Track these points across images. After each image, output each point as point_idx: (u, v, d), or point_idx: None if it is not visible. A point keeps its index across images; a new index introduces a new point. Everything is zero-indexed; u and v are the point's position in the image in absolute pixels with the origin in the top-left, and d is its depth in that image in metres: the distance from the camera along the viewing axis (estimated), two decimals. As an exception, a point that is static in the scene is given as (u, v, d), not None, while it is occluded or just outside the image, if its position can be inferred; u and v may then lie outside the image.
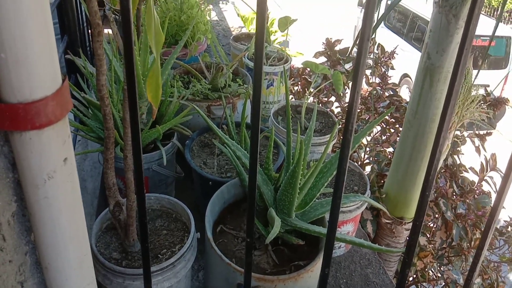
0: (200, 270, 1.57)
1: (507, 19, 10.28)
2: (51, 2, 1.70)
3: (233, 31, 3.96)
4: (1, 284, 0.65)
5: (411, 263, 0.81)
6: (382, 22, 8.08)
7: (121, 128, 1.54)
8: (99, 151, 1.65)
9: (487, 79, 6.96)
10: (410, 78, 7.12)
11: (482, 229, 2.12)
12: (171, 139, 1.69)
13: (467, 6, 1.79)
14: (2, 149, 0.67)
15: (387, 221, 2.14)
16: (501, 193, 0.74)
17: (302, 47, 4.06)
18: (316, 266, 1.18)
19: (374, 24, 1.97)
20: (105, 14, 2.53)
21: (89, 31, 2.88)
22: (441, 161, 2.36)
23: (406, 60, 6.76)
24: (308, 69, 2.85)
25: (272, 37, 3.61)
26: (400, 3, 7.70)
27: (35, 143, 0.65)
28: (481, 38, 6.97)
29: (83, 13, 2.54)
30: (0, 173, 0.66)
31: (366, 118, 2.68)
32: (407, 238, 2.21)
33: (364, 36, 0.60)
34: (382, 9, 7.93)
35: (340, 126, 2.17)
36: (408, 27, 7.61)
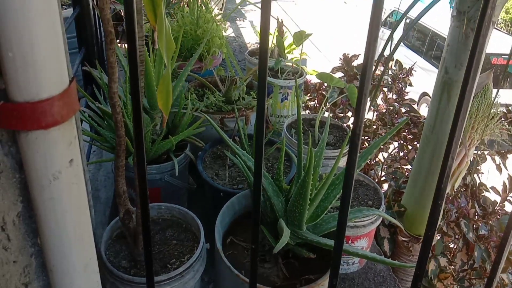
0: (211, 283, 1.54)
1: (529, 37, 10.09)
2: (67, 16, 1.74)
3: (250, 46, 4.00)
4: (4, 283, 0.65)
5: (422, 275, 0.77)
6: (402, 41, 8.07)
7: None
8: (113, 160, 1.66)
9: (509, 99, 6.81)
10: (429, 96, 7.03)
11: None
12: (184, 150, 1.69)
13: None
14: (9, 149, 0.68)
15: (404, 239, 2.08)
16: None
17: (320, 67, 4.07)
18: (327, 280, 1.14)
19: (389, 44, 1.96)
20: (123, 29, 2.59)
21: (103, 39, 2.96)
22: (460, 179, 2.30)
23: (425, 79, 6.69)
24: (325, 84, 2.85)
25: (289, 56, 3.62)
26: (419, 21, 7.67)
27: (40, 143, 0.65)
28: (503, 56, 6.86)
29: (101, 26, 2.61)
30: (7, 173, 0.67)
31: (383, 134, 2.64)
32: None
33: (372, 38, 0.59)
34: (400, 28, 7.93)
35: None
36: (427, 45, 7.56)
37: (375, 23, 0.58)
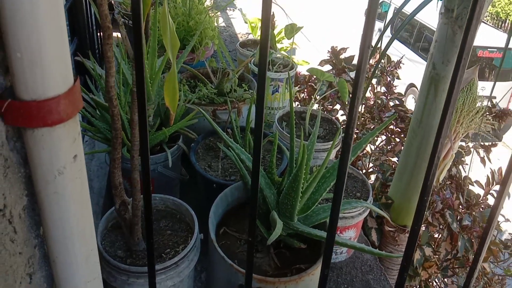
0: (203, 272, 1.58)
1: (515, 31, 10.24)
2: (63, 6, 1.74)
3: (240, 37, 4.00)
4: (11, 274, 0.67)
5: (409, 266, 0.82)
6: (389, 31, 8.11)
7: (128, 129, 1.57)
8: (106, 151, 1.68)
9: (494, 91, 6.93)
10: (416, 88, 7.13)
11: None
12: (177, 142, 1.71)
13: (472, 17, 1.81)
14: (15, 144, 0.70)
15: (391, 229, 2.15)
16: (499, 197, 0.76)
17: (309, 57, 4.09)
18: (317, 270, 1.19)
19: (380, 37, 1.99)
20: (114, 18, 2.57)
21: (98, 33, 2.94)
22: (445, 171, 2.37)
23: (413, 70, 6.77)
24: (314, 76, 2.88)
25: (279, 45, 3.64)
26: (407, 12, 7.72)
27: (46, 140, 0.67)
28: (488, 49, 6.97)
29: (93, 16, 2.59)
30: (13, 168, 0.69)
31: (371, 127, 2.69)
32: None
33: (365, 44, 0.62)
34: (388, 16, 7.96)
35: (343, 133, 2.19)
36: (415, 37, 7.63)
37: (368, 34, 0.61)
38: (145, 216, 0.70)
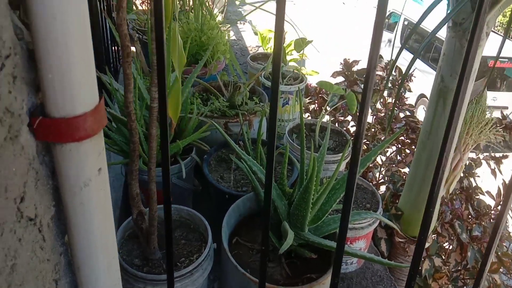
0: (216, 281, 1.62)
1: (526, 41, 10.19)
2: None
3: (250, 50, 4.08)
4: (41, 279, 0.72)
5: (416, 276, 0.85)
6: (399, 42, 8.12)
7: (143, 142, 1.63)
8: (122, 163, 1.73)
9: (505, 101, 6.91)
10: (427, 98, 7.11)
11: (498, 253, 2.12)
12: (190, 154, 1.76)
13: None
14: (44, 158, 0.75)
15: (401, 240, 2.16)
16: (506, 201, 0.78)
17: (319, 67, 4.14)
18: (328, 279, 1.22)
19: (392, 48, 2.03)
20: (129, 33, 2.65)
21: (113, 48, 3.03)
22: (455, 182, 2.38)
23: (423, 81, 6.78)
24: (324, 88, 2.92)
25: (289, 57, 3.70)
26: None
27: (74, 154, 0.72)
28: (500, 59, 6.95)
29: (108, 31, 2.68)
30: (42, 180, 0.74)
31: (382, 138, 2.72)
32: (421, 258, 2.22)
33: (372, 61, 0.66)
34: (398, 27, 7.98)
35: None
36: (425, 48, 7.64)
37: (375, 50, 0.65)
38: (165, 225, 0.75)
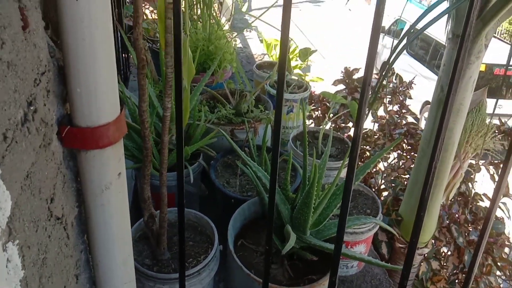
0: (221, 282, 1.68)
1: (530, 49, 10.21)
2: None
3: (256, 57, 4.16)
4: (65, 273, 0.79)
5: (408, 275, 0.91)
6: (405, 49, 8.18)
7: (154, 148, 1.71)
8: (132, 168, 1.81)
9: (511, 109, 6.93)
10: (431, 105, 7.14)
11: (495, 256, 2.18)
12: (198, 159, 1.84)
13: (478, 43, 1.91)
14: (69, 163, 0.83)
15: (401, 245, 2.22)
16: (492, 204, 0.85)
17: (323, 72, 4.22)
18: (328, 280, 1.28)
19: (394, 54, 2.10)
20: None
21: (123, 55, 3.12)
22: (455, 190, 2.44)
23: (428, 88, 6.82)
24: (328, 96, 3.00)
25: (294, 63, 3.78)
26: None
27: (97, 160, 0.80)
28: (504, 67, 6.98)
29: (119, 39, 2.77)
30: (68, 183, 0.82)
31: (383, 144, 2.79)
32: (420, 262, 2.28)
33: (368, 70, 0.73)
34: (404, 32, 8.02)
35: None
36: (430, 54, 7.69)
37: (371, 57, 0.73)
38: (178, 226, 0.82)
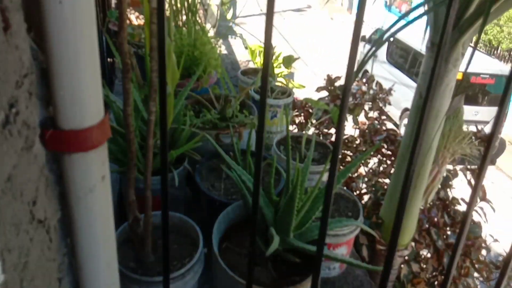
0: (206, 284, 1.69)
1: (507, 58, 10.55)
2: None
3: (241, 64, 4.19)
4: (48, 277, 0.79)
5: (388, 276, 0.94)
6: (384, 58, 8.32)
7: (138, 152, 1.71)
8: (116, 171, 1.80)
9: (486, 116, 7.13)
10: (412, 112, 7.28)
11: (472, 258, 2.23)
12: (183, 163, 1.84)
13: (456, 51, 1.97)
14: (52, 166, 0.83)
15: (381, 247, 2.26)
16: (469, 206, 0.88)
17: (306, 80, 4.27)
18: (310, 282, 1.30)
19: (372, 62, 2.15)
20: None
21: (108, 59, 3.10)
22: (434, 194, 2.50)
23: (407, 95, 6.97)
24: (310, 102, 3.05)
25: (278, 70, 3.82)
26: (402, 40, 8.00)
27: (81, 163, 0.81)
28: (481, 75, 7.19)
29: (104, 43, 2.76)
30: (51, 187, 0.82)
31: (364, 149, 2.84)
32: (401, 264, 2.32)
33: (349, 81, 0.76)
34: (385, 46, 8.19)
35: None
36: (409, 63, 7.86)
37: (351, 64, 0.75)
38: (162, 229, 0.83)
